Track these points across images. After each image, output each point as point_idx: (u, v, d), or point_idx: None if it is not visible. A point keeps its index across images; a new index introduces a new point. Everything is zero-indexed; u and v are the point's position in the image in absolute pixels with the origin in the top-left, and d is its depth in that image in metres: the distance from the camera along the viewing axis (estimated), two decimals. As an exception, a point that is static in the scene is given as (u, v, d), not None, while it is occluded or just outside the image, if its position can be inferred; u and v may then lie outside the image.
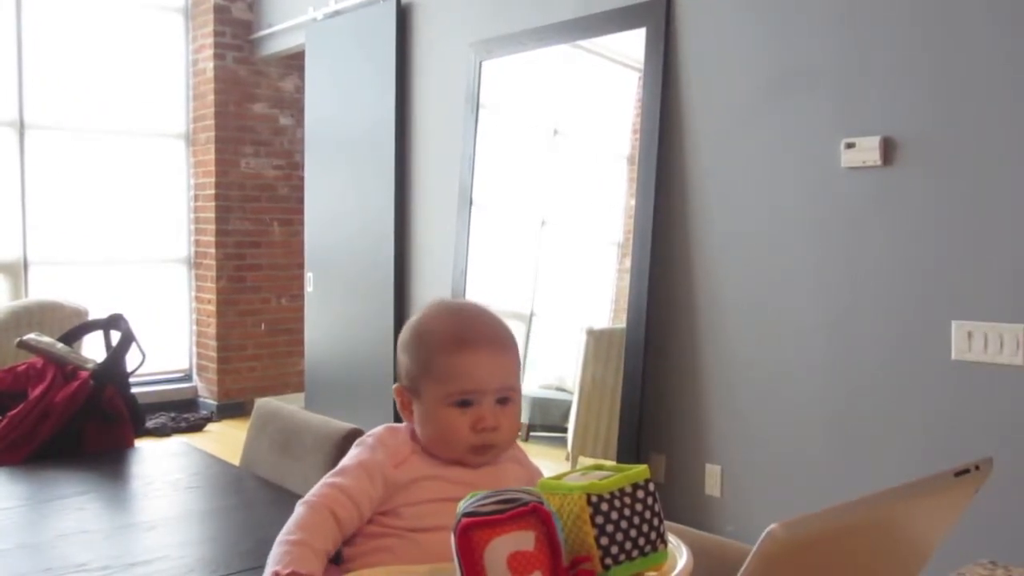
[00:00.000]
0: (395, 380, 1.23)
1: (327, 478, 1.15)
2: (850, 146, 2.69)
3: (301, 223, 5.33)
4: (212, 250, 5.76)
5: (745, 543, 1.13)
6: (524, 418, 3.55)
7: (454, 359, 1.14)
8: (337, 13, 4.84)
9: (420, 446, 1.18)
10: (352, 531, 1.13)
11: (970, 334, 2.45)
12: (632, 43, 3.33)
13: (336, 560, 1.15)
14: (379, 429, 1.21)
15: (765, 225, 2.93)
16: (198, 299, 5.96)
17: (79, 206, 5.57)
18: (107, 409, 2.23)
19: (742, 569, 0.64)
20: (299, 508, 1.11)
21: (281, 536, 1.07)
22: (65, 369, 2.24)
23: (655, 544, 0.93)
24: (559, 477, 0.95)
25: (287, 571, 1.01)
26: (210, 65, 5.71)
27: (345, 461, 1.17)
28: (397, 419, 1.25)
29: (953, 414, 2.49)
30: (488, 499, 0.86)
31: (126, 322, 2.38)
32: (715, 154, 3.07)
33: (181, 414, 5.67)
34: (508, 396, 1.16)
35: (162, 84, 5.87)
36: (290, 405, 2.18)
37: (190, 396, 5.96)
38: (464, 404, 1.14)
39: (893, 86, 2.61)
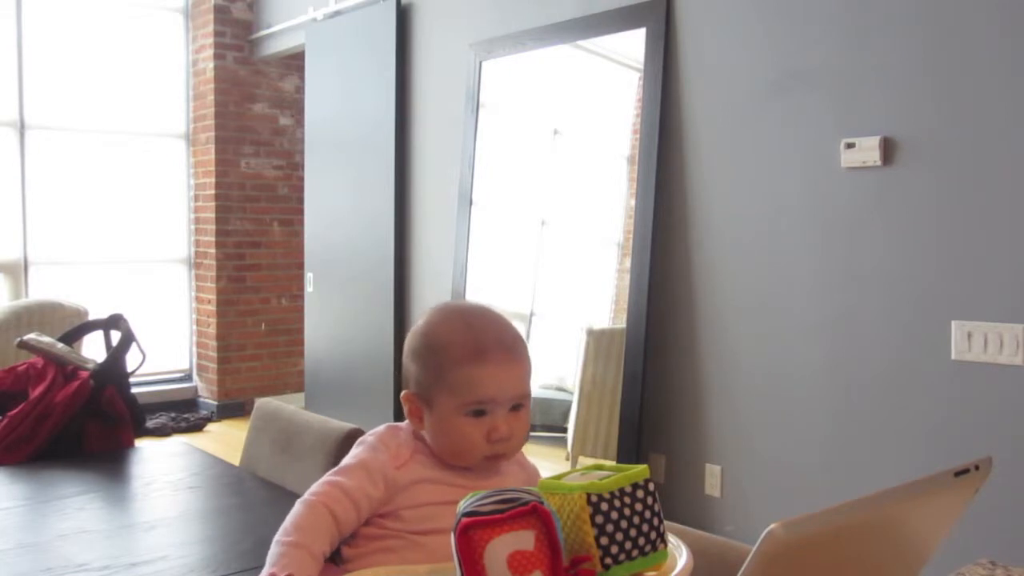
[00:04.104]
0: (401, 387, 1.21)
1: (328, 476, 1.14)
2: (850, 146, 2.69)
3: (301, 223, 5.33)
4: (212, 250, 5.76)
5: (745, 543, 1.13)
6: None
7: (470, 370, 1.12)
8: (337, 13, 4.84)
9: (422, 447, 1.18)
10: (350, 531, 1.12)
11: (970, 334, 2.45)
12: (632, 43, 3.33)
13: (336, 560, 1.14)
14: (381, 429, 1.21)
15: (765, 225, 2.93)
16: (198, 299, 5.96)
17: (79, 206, 5.57)
18: (107, 409, 2.23)
19: (742, 569, 0.64)
20: (298, 506, 1.10)
21: (279, 535, 1.06)
22: (65, 369, 2.24)
23: (655, 544, 0.93)
24: (559, 477, 0.95)
25: (283, 575, 1.01)
26: (210, 65, 5.71)
27: (347, 460, 1.16)
28: (397, 419, 1.24)
29: (953, 414, 2.49)
30: (488, 499, 0.86)
31: (126, 322, 2.38)
32: (715, 154, 3.07)
33: (181, 414, 5.67)
34: (521, 403, 1.16)
35: (162, 84, 5.87)
36: (290, 405, 2.18)
37: (190, 396, 5.96)
38: (478, 413, 1.13)
39: (893, 86, 2.61)
